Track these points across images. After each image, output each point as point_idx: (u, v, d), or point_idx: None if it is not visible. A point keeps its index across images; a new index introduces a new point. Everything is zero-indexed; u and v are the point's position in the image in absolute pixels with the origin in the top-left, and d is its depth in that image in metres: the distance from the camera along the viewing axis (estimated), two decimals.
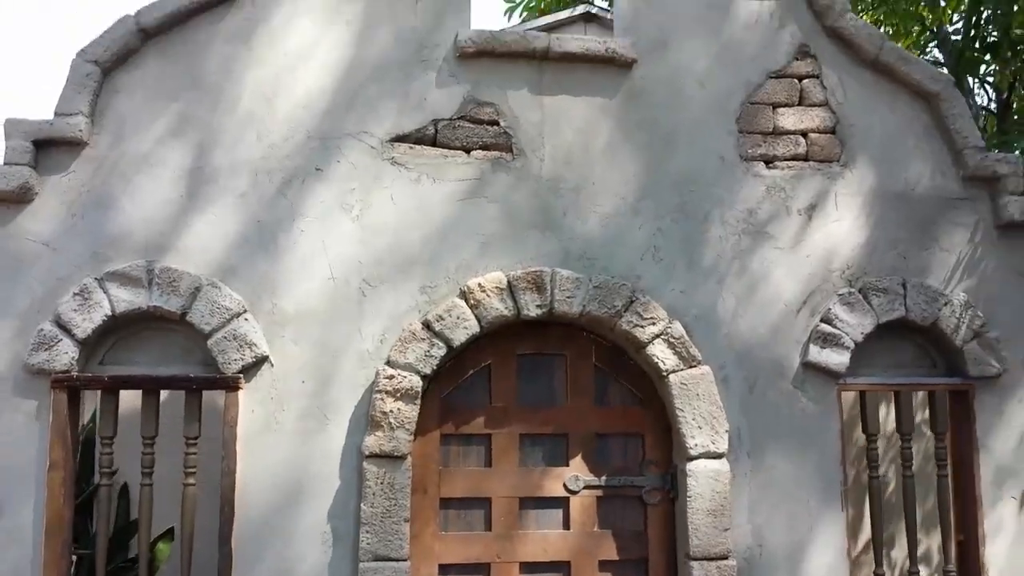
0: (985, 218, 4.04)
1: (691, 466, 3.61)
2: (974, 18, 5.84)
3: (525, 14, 6.74)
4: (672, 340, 3.68)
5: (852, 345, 3.81)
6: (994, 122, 5.17)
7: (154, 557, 3.54)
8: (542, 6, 6.57)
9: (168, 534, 3.63)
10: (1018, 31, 5.75)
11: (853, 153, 4.01)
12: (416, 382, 3.48)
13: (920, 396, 4.14)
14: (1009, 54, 5.81)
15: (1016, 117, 4.54)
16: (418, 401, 3.49)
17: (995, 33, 5.75)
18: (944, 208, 4.03)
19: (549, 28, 5.99)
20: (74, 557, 3.47)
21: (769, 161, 3.96)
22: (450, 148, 3.76)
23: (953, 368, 3.96)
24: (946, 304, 3.90)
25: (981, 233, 4.03)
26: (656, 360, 3.66)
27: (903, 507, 3.93)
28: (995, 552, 3.83)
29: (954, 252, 4.00)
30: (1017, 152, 4.27)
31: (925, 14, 6.22)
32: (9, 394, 3.33)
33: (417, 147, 3.74)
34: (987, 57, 6.17)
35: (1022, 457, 3.93)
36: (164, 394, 3.54)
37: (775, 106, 4.00)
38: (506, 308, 3.61)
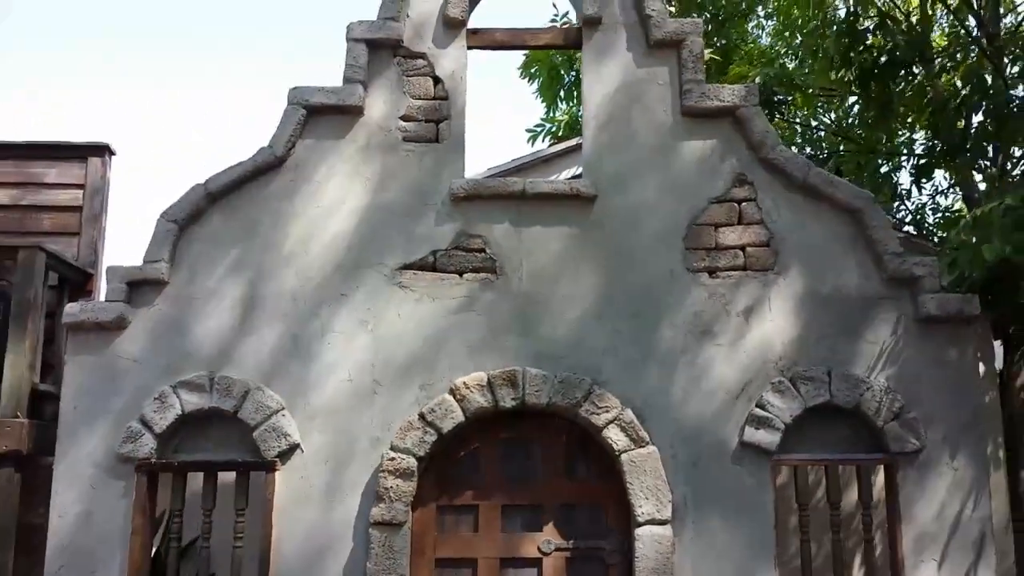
0: (906, 313, 4.69)
1: (639, 531, 4.37)
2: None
3: (549, 138, 7.76)
4: (624, 424, 4.48)
5: (782, 426, 4.51)
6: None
7: None
8: (560, 133, 7.57)
9: None
10: None
11: (786, 262, 4.75)
12: (412, 463, 4.39)
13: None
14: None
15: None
16: (414, 479, 4.39)
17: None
18: (869, 306, 4.71)
19: (563, 153, 6.93)
20: None
21: (712, 272, 4.74)
22: (446, 272, 4.71)
23: (879, 445, 4.60)
24: (868, 389, 4.56)
25: (902, 327, 4.68)
26: (610, 441, 4.47)
27: (833, 569, 4.56)
28: None
29: (878, 344, 4.67)
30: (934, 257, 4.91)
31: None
32: (105, 476, 4.42)
33: (419, 273, 4.70)
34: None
35: (942, 525, 4.51)
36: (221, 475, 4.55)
37: (717, 226, 4.79)
38: (486, 401, 4.50)
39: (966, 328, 4.69)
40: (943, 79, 6.24)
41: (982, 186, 6.18)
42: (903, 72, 5.87)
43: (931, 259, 4.82)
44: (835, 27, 6.06)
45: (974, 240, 4.74)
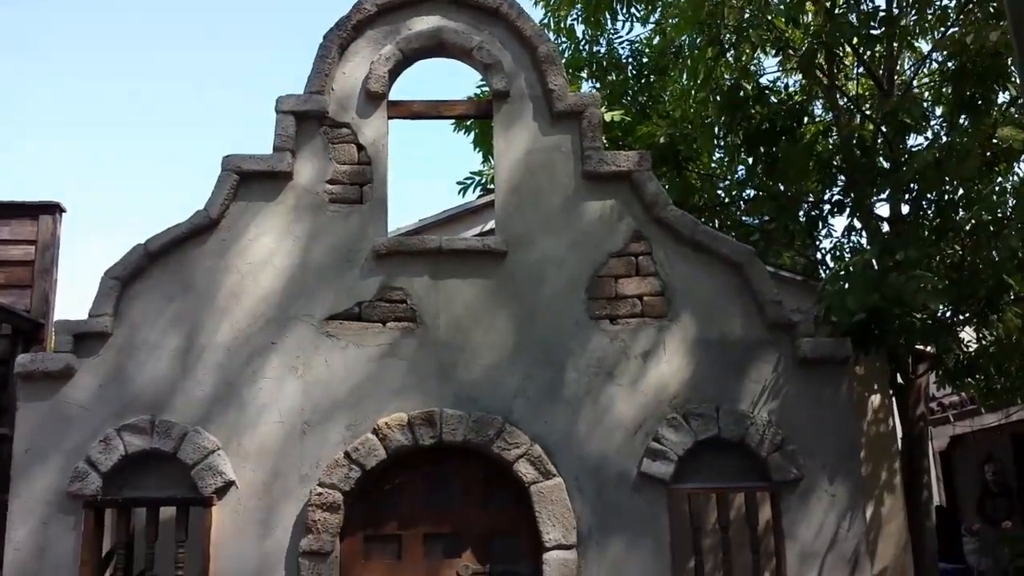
0: (786, 355, 5.23)
1: (547, 556, 4.83)
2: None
3: (479, 189, 8.28)
4: (533, 459, 4.95)
5: (676, 458, 5.01)
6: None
7: None
8: (490, 184, 8.09)
9: None
10: None
11: (678, 310, 5.28)
12: (338, 497, 4.81)
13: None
14: None
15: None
16: (341, 511, 4.81)
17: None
18: (752, 348, 5.24)
19: (491, 204, 7.42)
20: None
21: (612, 319, 5.25)
22: (370, 322, 5.17)
23: (763, 474, 5.11)
24: (752, 424, 5.08)
25: (782, 367, 5.22)
26: (521, 474, 4.93)
27: None
28: None
29: (761, 383, 5.20)
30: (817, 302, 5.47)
31: None
32: (56, 513, 4.79)
33: (345, 322, 5.16)
34: None
35: (821, 543, 5.02)
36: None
37: (616, 277, 5.31)
38: (407, 439, 4.95)
39: (839, 368, 5.23)
40: (823, 143, 6.88)
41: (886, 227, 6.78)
42: (783, 137, 6.50)
43: (807, 307, 5.40)
44: (718, 96, 6.69)
45: (846, 288, 5.29)
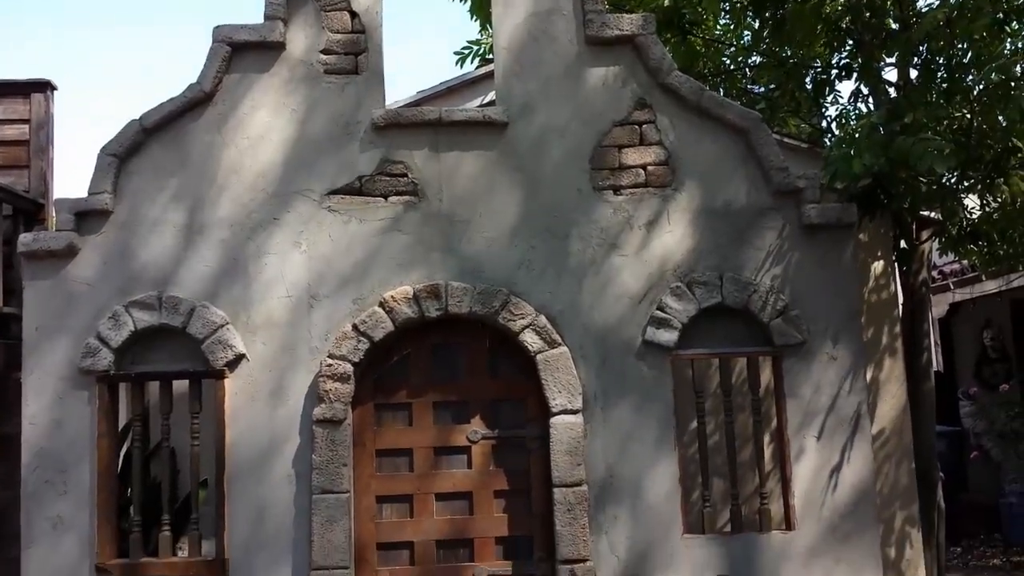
0: (791, 222, 5.21)
1: (553, 420, 4.94)
2: None
3: (477, 60, 8.05)
4: (538, 329, 5.01)
5: (680, 326, 5.06)
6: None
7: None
8: (487, 55, 7.87)
9: (203, 483, 5.09)
10: None
11: (683, 178, 5.23)
12: (348, 368, 4.89)
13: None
14: None
15: None
16: (351, 382, 4.90)
17: None
18: (757, 217, 5.22)
19: (489, 75, 7.26)
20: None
21: (616, 190, 5.21)
22: (372, 196, 5.13)
23: (766, 340, 5.18)
24: (755, 291, 5.12)
25: (787, 233, 5.20)
26: (526, 344, 4.99)
27: (726, 446, 5.20)
28: (799, 475, 5.06)
29: (765, 250, 5.19)
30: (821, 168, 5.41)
31: None
32: (70, 388, 4.88)
33: (347, 197, 5.12)
34: None
35: (821, 406, 5.12)
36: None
37: (620, 147, 5.24)
38: (413, 312, 4.99)
39: (844, 233, 5.23)
40: (831, 4, 6.65)
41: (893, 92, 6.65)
42: None
43: (813, 172, 5.33)
44: None
45: (852, 152, 5.21)
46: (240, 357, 4.93)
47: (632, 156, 5.22)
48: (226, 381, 4.90)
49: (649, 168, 5.22)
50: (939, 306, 10.79)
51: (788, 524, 4.99)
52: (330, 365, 4.89)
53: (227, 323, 4.93)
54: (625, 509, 4.93)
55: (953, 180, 6.22)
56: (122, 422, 5.12)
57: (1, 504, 5.57)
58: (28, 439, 4.86)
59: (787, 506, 5.01)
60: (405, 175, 5.15)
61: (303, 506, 4.84)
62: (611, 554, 4.89)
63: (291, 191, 5.08)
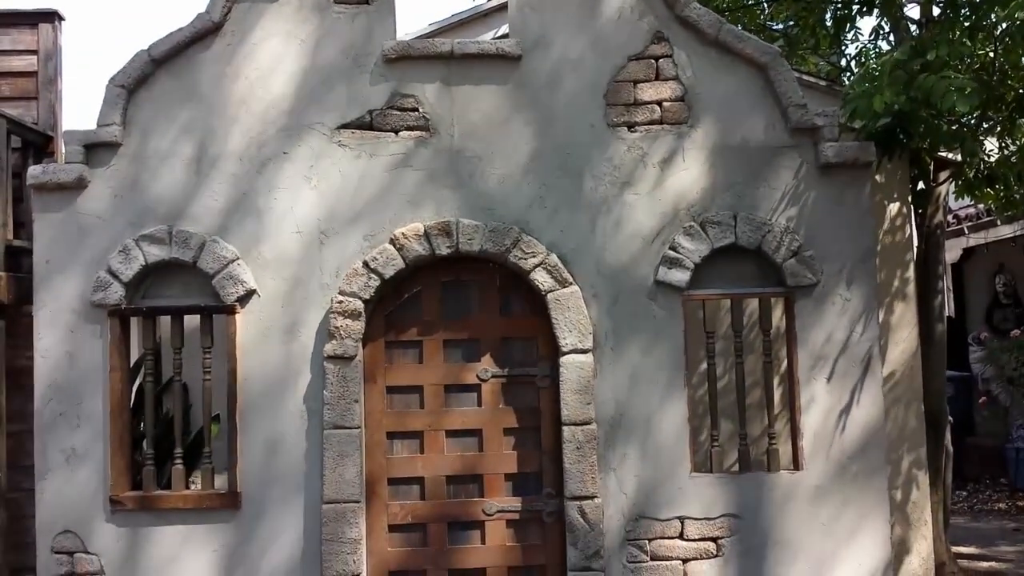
0: (808, 161, 5.13)
1: (563, 359, 4.94)
2: None
3: None
4: (549, 268, 4.97)
5: (692, 266, 5.02)
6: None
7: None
8: None
9: (215, 418, 5.12)
10: None
11: (699, 115, 5.14)
12: (359, 305, 4.88)
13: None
14: None
15: None
16: (362, 318, 4.89)
17: None
18: (774, 155, 5.14)
19: (502, 7, 7.12)
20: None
21: (631, 126, 5.12)
22: (382, 131, 5.06)
23: (779, 280, 5.14)
24: (769, 231, 5.06)
25: (804, 172, 5.12)
26: (537, 283, 4.96)
27: (735, 386, 5.20)
28: (808, 417, 5.06)
29: (780, 189, 5.12)
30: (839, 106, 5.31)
31: None
32: (81, 321, 4.88)
33: (357, 132, 5.05)
34: None
35: (833, 347, 5.10)
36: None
37: (635, 82, 5.13)
38: (424, 249, 4.95)
39: (862, 173, 5.14)
40: None
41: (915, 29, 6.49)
42: None
43: (831, 110, 5.23)
44: None
45: (873, 89, 5.11)
46: (251, 293, 4.92)
47: (648, 92, 5.13)
48: (237, 316, 4.90)
49: (665, 104, 5.13)
50: (952, 251, 10.72)
51: (796, 465, 5.00)
52: (341, 302, 4.88)
53: (237, 258, 4.91)
54: (634, 447, 4.95)
55: (973, 120, 6.11)
56: (134, 357, 5.13)
57: (16, 436, 5.63)
58: (41, 372, 4.88)
59: (795, 447, 5.02)
60: (416, 109, 5.07)
61: (315, 441, 4.88)
62: (619, 491, 4.92)
63: (301, 124, 5.01)
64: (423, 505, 5.01)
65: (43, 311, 4.90)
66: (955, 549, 7.11)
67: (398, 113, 5.07)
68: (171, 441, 5.00)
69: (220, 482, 4.97)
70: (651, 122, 5.12)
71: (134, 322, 5.05)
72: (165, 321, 5.09)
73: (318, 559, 4.82)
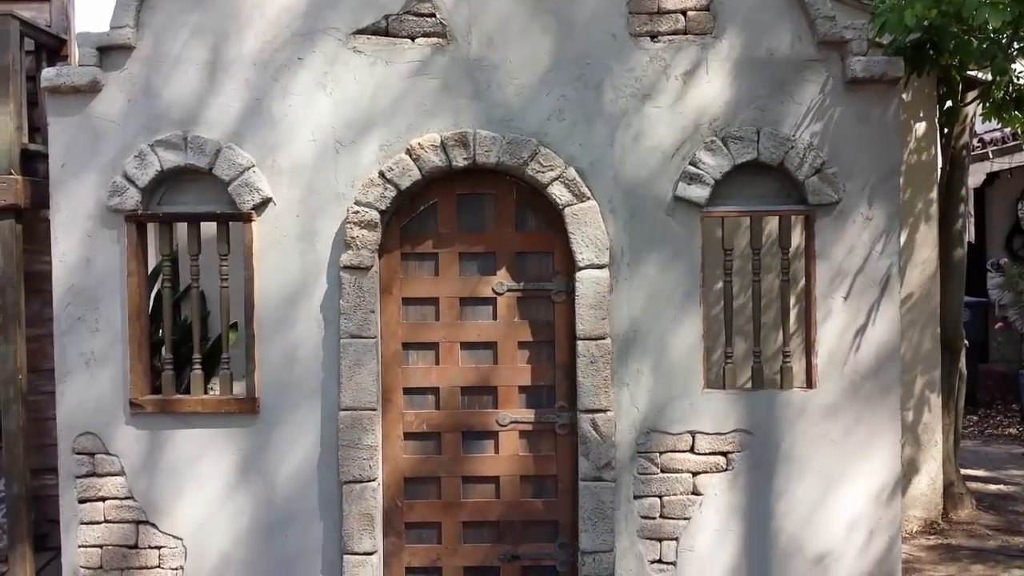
0: (834, 75, 4.99)
1: (580, 274, 4.92)
2: None
3: None
4: (567, 181, 4.91)
5: (712, 182, 4.94)
6: None
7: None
8: None
9: (233, 326, 5.17)
10: None
11: (724, 26, 5.00)
12: (375, 215, 4.86)
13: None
14: None
15: None
16: (378, 229, 4.87)
17: None
18: (800, 69, 5.00)
19: None
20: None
21: (654, 36, 4.99)
22: (398, 37, 4.96)
23: (800, 198, 5.06)
24: (792, 147, 4.96)
25: (830, 87, 4.98)
26: (555, 197, 4.91)
27: (752, 305, 5.18)
28: (823, 335, 5.05)
29: (805, 104, 5.00)
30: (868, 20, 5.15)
31: None
32: (98, 226, 4.89)
33: (373, 38, 4.94)
34: None
35: (852, 265, 5.05)
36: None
37: None
38: (440, 160, 4.90)
39: (890, 88, 5.01)
40: None
41: None
42: None
43: (860, 23, 5.07)
44: None
45: (903, 3, 4.95)
46: (267, 201, 4.90)
47: (672, 0, 4.98)
48: (253, 224, 4.89)
49: (689, 13, 4.98)
50: (975, 175, 10.55)
51: (809, 382, 5.01)
52: (356, 212, 4.85)
53: (253, 165, 4.87)
54: (647, 363, 4.96)
55: (1005, 38, 5.93)
56: (151, 263, 5.15)
57: (35, 340, 5.70)
58: (59, 276, 4.91)
59: (809, 364, 5.01)
60: (433, 15, 4.95)
61: (332, 349, 4.91)
62: (631, 406, 4.96)
63: (316, 29, 4.91)
64: (438, 414, 5.07)
65: (60, 215, 4.91)
66: (964, 471, 7.19)
67: (415, 19, 4.95)
68: (189, 347, 5.05)
69: (239, 388, 5.04)
70: (675, 32, 4.99)
71: (151, 229, 5.04)
72: (182, 229, 5.09)
73: (335, 464, 4.90)
